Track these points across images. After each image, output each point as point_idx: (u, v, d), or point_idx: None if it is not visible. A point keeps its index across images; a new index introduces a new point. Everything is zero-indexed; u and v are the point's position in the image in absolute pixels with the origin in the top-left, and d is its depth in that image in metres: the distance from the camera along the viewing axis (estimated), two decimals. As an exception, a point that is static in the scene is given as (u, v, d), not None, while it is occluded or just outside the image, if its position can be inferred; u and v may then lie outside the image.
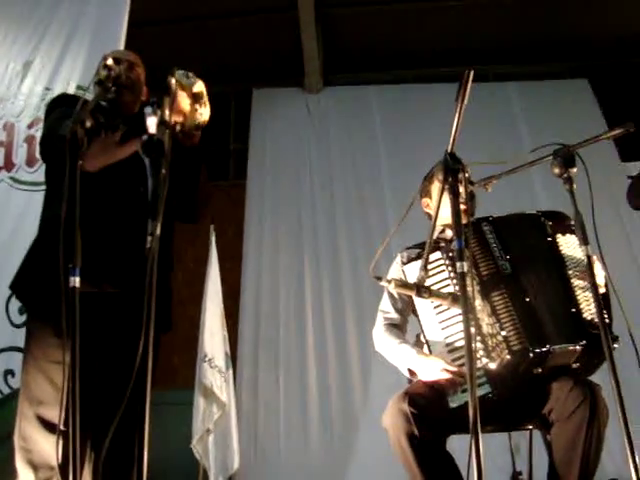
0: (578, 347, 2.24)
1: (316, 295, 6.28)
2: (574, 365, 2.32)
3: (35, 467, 2.15)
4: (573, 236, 2.46)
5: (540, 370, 2.27)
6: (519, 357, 2.22)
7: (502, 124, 6.81)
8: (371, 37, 7.26)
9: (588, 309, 2.30)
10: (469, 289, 1.79)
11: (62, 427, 1.69)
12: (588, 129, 2.60)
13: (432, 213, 2.78)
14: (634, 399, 2.36)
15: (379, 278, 2.19)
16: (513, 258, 2.39)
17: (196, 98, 2.18)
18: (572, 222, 2.47)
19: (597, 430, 2.16)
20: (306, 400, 5.84)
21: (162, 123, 1.79)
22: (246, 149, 7.27)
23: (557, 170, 2.19)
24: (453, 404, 2.30)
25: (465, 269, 1.80)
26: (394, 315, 2.80)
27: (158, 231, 1.65)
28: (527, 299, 2.31)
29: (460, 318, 2.30)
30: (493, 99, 6.82)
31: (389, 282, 2.12)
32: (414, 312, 2.62)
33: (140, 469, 1.58)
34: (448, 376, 2.35)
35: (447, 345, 2.41)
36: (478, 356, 2.26)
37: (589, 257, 2.08)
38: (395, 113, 7.08)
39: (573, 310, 2.29)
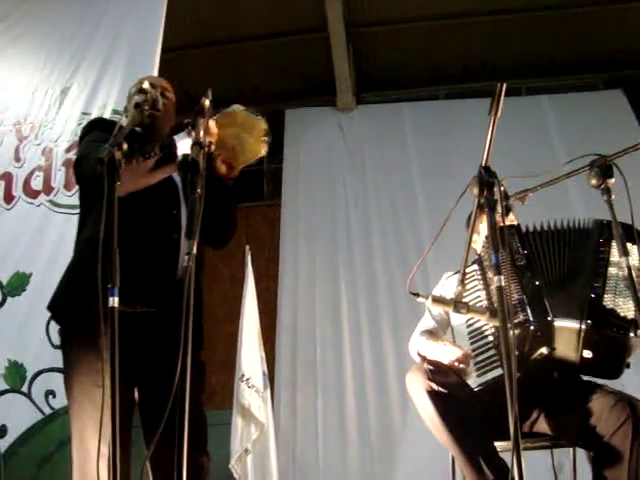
0: (583, 326, 2.20)
1: (353, 313, 6.26)
2: (585, 353, 2.26)
3: None
4: (634, 246, 2.40)
5: (547, 350, 2.23)
6: (523, 330, 2.21)
7: (536, 137, 6.74)
8: (402, 55, 7.30)
9: (613, 300, 2.25)
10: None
11: (104, 448, 1.70)
12: (624, 140, 2.55)
13: (477, 248, 2.81)
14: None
15: (416, 294, 2.18)
16: (531, 253, 2.41)
17: (263, 134, 2.27)
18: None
19: None
20: (344, 419, 5.81)
21: (197, 143, 1.81)
22: (280, 169, 7.32)
23: (594, 181, 2.16)
24: (474, 385, 2.33)
25: (502, 283, 1.77)
26: (431, 323, 2.85)
27: (195, 250, 1.66)
28: (537, 282, 2.31)
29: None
30: (526, 113, 6.77)
31: (426, 298, 2.11)
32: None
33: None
34: (452, 358, 2.40)
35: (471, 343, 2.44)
36: (491, 339, 2.33)
37: (629, 268, 2.04)
38: (428, 129, 7.07)
39: (593, 295, 2.26)
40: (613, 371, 2.33)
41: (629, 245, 2.39)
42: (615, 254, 2.37)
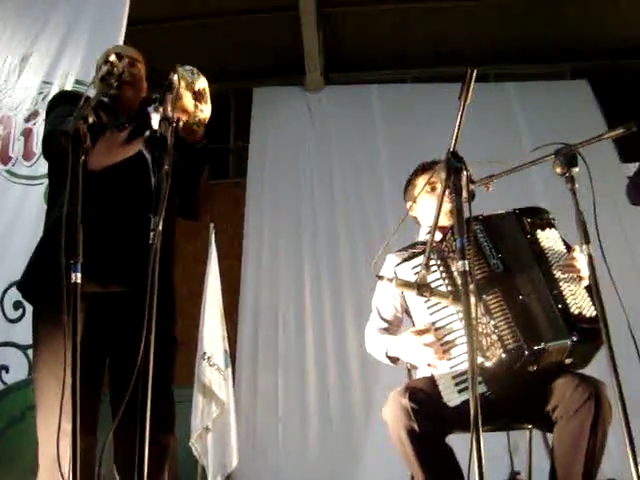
0: (569, 342, 2.23)
1: (315, 294, 6.28)
2: (567, 360, 2.30)
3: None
4: (553, 230, 2.45)
5: (535, 368, 2.25)
6: (514, 355, 2.19)
7: (502, 124, 6.80)
8: (372, 36, 7.27)
9: (574, 303, 2.28)
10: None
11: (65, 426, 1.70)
12: (588, 130, 2.59)
13: (417, 216, 2.80)
14: (635, 396, 2.34)
15: (381, 277, 2.19)
16: (504, 257, 2.36)
17: (198, 95, 2.18)
18: (551, 216, 2.48)
19: (601, 428, 2.13)
20: (305, 398, 5.85)
21: (164, 119, 1.79)
22: (246, 148, 7.28)
23: (559, 169, 2.18)
24: (450, 403, 2.29)
25: (467, 267, 1.79)
26: (383, 324, 2.74)
27: (160, 226, 1.65)
28: (520, 297, 2.29)
29: (453, 317, 2.31)
30: (493, 99, 6.79)
31: (390, 280, 2.11)
32: (407, 313, 2.60)
33: (141, 466, 1.59)
34: (430, 350, 2.31)
35: (442, 345, 2.38)
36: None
37: (590, 256, 2.08)
38: (396, 112, 7.08)
39: (560, 306, 2.27)
40: (585, 365, 2.38)
41: (548, 230, 2.44)
42: (546, 246, 2.40)
